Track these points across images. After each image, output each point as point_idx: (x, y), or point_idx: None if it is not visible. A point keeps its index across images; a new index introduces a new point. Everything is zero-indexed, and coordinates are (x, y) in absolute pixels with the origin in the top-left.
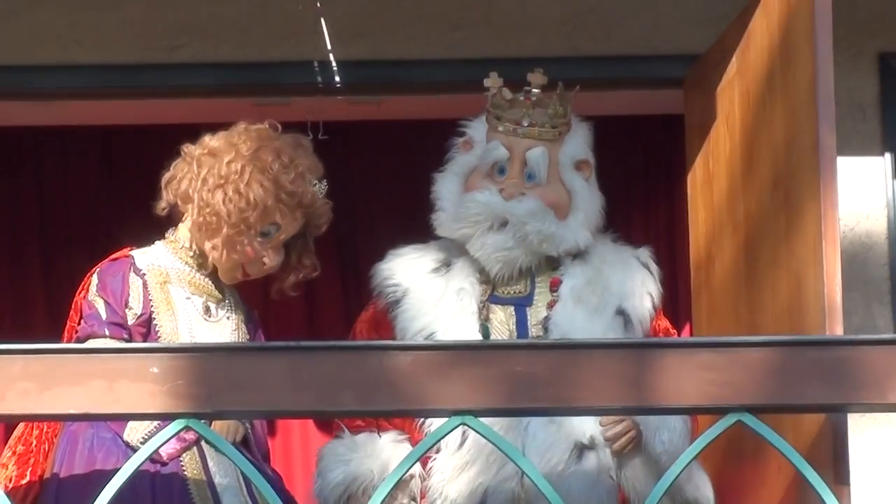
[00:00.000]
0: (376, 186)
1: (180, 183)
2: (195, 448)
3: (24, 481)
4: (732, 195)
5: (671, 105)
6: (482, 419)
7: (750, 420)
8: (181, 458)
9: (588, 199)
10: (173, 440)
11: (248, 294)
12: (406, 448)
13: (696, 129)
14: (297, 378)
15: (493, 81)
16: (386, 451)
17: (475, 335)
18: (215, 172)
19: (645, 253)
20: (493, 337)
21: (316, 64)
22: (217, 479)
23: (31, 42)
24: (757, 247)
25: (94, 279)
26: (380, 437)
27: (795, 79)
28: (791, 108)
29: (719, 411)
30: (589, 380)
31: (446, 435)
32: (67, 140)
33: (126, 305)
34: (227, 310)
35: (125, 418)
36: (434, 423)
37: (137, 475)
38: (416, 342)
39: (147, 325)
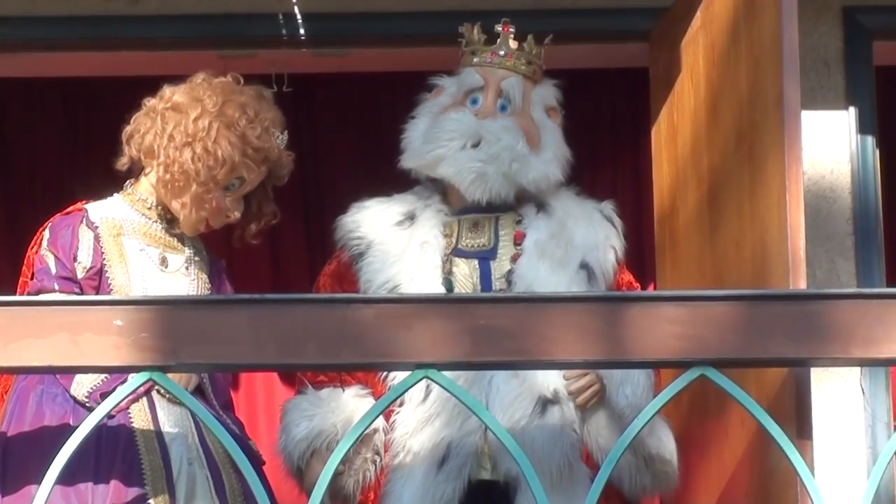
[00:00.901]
0: (341, 139)
1: (143, 137)
2: (145, 399)
3: None
4: (696, 149)
5: (637, 59)
6: (445, 373)
7: (713, 374)
8: (129, 410)
9: (556, 142)
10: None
11: (212, 245)
12: (370, 402)
13: (661, 83)
14: (260, 331)
15: (468, 29)
16: (350, 405)
17: (439, 288)
18: (182, 129)
19: (608, 206)
20: (456, 290)
21: (281, 16)
22: (165, 429)
23: None
24: (721, 200)
25: (46, 234)
26: (343, 391)
27: (760, 32)
28: (755, 61)
29: (683, 365)
30: (553, 333)
31: (409, 388)
32: (31, 92)
33: (74, 259)
34: (187, 261)
35: (88, 371)
36: (398, 377)
37: (77, 420)
38: (380, 295)
39: (98, 278)
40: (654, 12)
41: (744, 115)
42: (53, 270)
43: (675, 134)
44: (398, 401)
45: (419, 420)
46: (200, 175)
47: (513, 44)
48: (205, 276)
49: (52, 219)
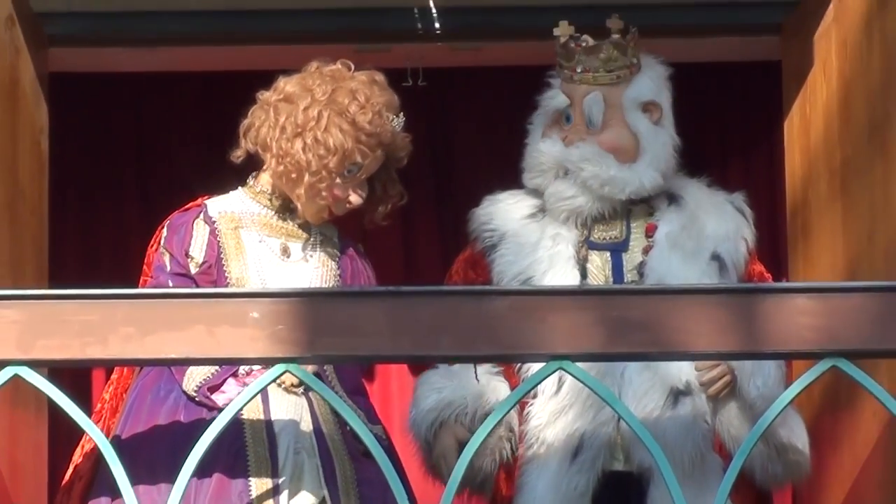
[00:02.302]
0: (475, 132)
1: (258, 130)
2: (260, 394)
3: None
4: (829, 141)
5: (770, 52)
6: (579, 364)
7: (845, 365)
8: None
9: (655, 141)
10: (234, 386)
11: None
12: (500, 380)
13: (794, 76)
14: (395, 323)
15: (562, 29)
16: (481, 380)
17: (572, 280)
18: (292, 120)
19: (739, 198)
20: (589, 282)
21: (416, 10)
22: (276, 419)
23: None
24: (853, 193)
25: (164, 231)
26: (475, 367)
27: (893, 25)
28: (888, 53)
29: (815, 356)
30: (686, 325)
31: (543, 379)
32: (168, 86)
33: (187, 255)
34: (311, 249)
35: (225, 363)
36: (532, 369)
37: (192, 425)
38: (514, 287)
39: (216, 272)
40: (787, 5)
41: (876, 107)
42: (168, 267)
43: (807, 126)
44: (531, 393)
45: (552, 412)
46: (312, 165)
47: (589, 58)
48: (333, 264)
49: (171, 216)
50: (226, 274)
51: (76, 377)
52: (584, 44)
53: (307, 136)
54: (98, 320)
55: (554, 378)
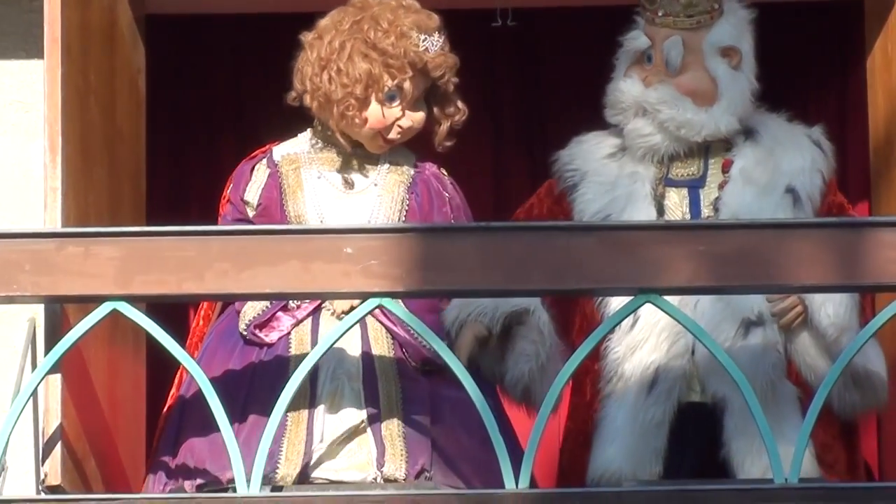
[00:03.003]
0: (564, 72)
1: (301, 71)
2: (310, 320)
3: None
4: None
5: None
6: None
7: None
8: (291, 335)
9: (733, 86)
10: (287, 319)
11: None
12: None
13: (875, 15)
14: (486, 258)
15: None
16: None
17: (650, 217)
18: (319, 54)
19: (817, 131)
20: (667, 218)
21: None
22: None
23: None
24: None
25: (230, 183)
26: None
27: None
28: None
29: None
30: (774, 259)
31: (631, 313)
32: (264, 28)
33: (243, 201)
34: (378, 177)
35: (319, 297)
36: (613, 302)
37: (242, 359)
38: (601, 223)
39: (279, 212)
40: None
41: None
42: (229, 216)
43: (889, 65)
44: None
45: (628, 346)
46: (338, 94)
47: (671, 2)
48: (400, 190)
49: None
50: (285, 212)
51: (173, 312)
52: None
53: (331, 67)
54: (194, 256)
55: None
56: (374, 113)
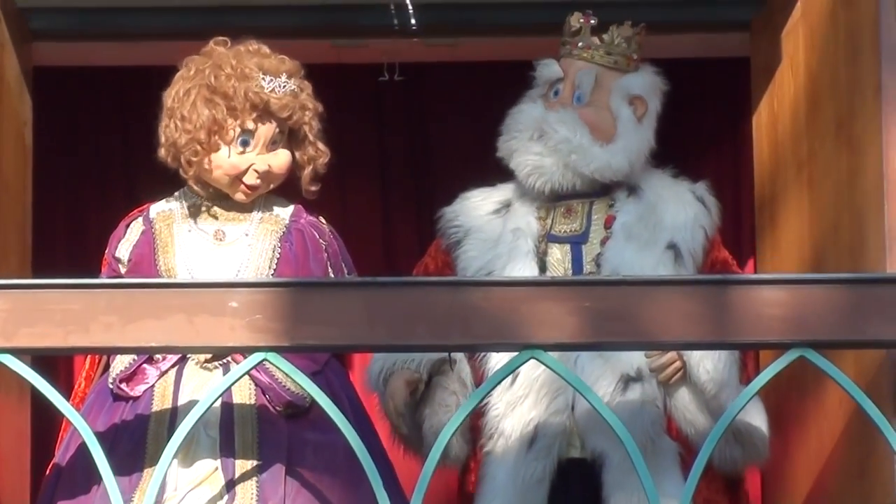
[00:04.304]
0: (451, 127)
1: (159, 125)
2: (174, 370)
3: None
4: (796, 136)
5: (738, 48)
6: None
7: (812, 356)
8: (155, 386)
9: (633, 133)
10: (153, 375)
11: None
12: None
13: (762, 72)
14: (371, 313)
15: (575, 18)
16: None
17: (532, 273)
18: (167, 105)
19: (701, 187)
20: (549, 274)
21: (392, 6)
22: (183, 398)
23: None
24: (820, 186)
25: (110, 240)
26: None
27: (858, 21)
28: (854, 50)
29: (783, 346)
30: (656, 315)
31: (517, 368)
32: (151, 79)
33: (115, 259)
34: (249, 228)
35: (204, 351)
36: (494, 359)
37: (110, 415)
38: (489, 278)
39: (152, 268)
40: (755, 2)
41: (843, 103)
42: (104, 276)
43: (775, 121)
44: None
45: (508, 403)
46: (182, 140)
47: (592, 37)
48: (272, 239)
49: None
50: (157, 267)
51: (59, 365)
52: (592, 21)
53: (177, 115)
54: (80, 309)
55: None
56: (224, 158)
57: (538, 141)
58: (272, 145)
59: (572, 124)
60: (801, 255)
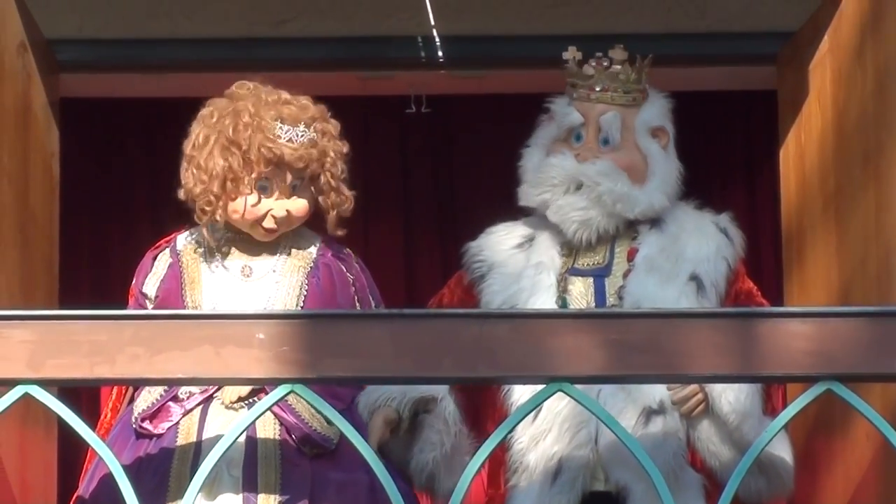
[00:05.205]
0: (478, 159)
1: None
2: (199, 409)
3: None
4: (823, 169)
5: (765, 81)
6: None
7: (839, 389)
8: (179, 424)
9: (664, 165)
10: (178, 413)
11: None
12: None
13: (789, 105)
14: (397, 345)
15: (570, 53)
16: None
17: (552, 307)
18: (185, 150)
19: (725, 218)
20: (571, 308)
21: (419, 39)
22: (207, 436)
23: (143, 17)
24: (847, 220)
25: (137, 272)
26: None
27: (885, 55)
28: (881, 83)
29: (810, 380)
30: (683, 348)
31: (543, 401)
32: (178, 112)
33: (143, 294)
34: (276, 264)
35: (231, 383)
36: (516, 393)
37: (133, 451)
38: (513, 311)
39: (180, 302)
40: (783, 36)
41: (869, 135)
42: (132, 306)
43: (802, 154)
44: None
45: (532, 436)
46: (196, 190)
47: (608, 77)
48: (299, 275)
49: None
50: (185, 303)
51: (90, 394)
52: (605, 63)
53: (194, 162)
54: (107, 340)
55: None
56: (240, 205)
57: (577, 194)
58: (292, 190)
59: (612, 175)
60: (828, 288)
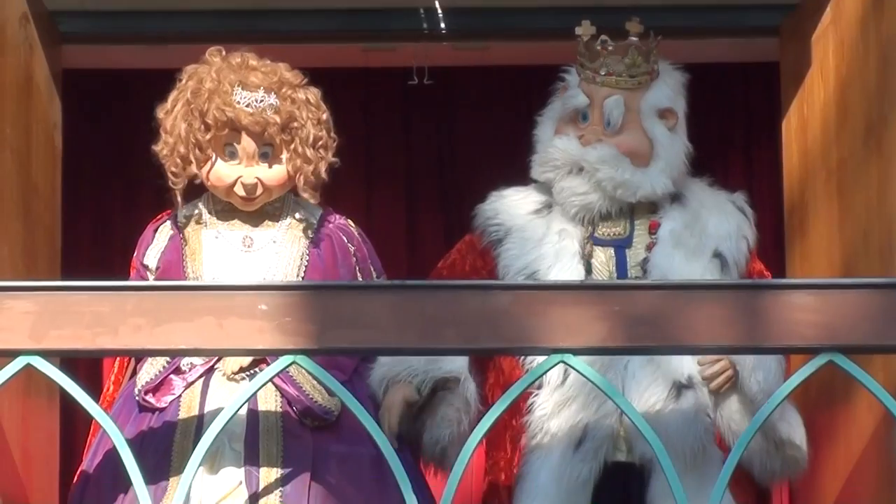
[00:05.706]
0: (480, 131)
1: None
2: (200, 381)
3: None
4: (826, 141)
5: (768, 53)
6: (582, 358)
7: (841, 360)
8: (181, 397)
9: (669, 148)
10: (180, 386)
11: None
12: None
13: (792, 77)
14: (400, 316)
15: (584, 29)
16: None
17: (577, 275)
18: (159, 116)
19: (740, 197)
20: (593, 277)
21: (422, 10)
22: (209, 409)
23: None
24: (849, 192)
25: (139, 244)
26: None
27: (888, 26)
28: (884, 55)
29: (812, 351)
30: (687, 320)
31: (545, 373)
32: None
33: (144, 266)
34: (278, 235)
35: (233, 354)
36: (536, 361)
37: (136, 425)
38: (517, 282)
39: (181, 273)
40: (785, 8)
41: (873, 108)
42: (133, 278)
43: (805, 127)
44: (536, 384)
45: (557, 403)
46: (164, 152)
47: (613, 61)
48: (300, 246)
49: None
50: (186, 273)
51: (88, 366)
52: (609, 47)
53: (161, 127)
54: (109, 311)
55: (559, 370)
56: (213, 170)
57: (578, 176)
58: (263, 158)
59: (613, 161)
60: (830, 260)
